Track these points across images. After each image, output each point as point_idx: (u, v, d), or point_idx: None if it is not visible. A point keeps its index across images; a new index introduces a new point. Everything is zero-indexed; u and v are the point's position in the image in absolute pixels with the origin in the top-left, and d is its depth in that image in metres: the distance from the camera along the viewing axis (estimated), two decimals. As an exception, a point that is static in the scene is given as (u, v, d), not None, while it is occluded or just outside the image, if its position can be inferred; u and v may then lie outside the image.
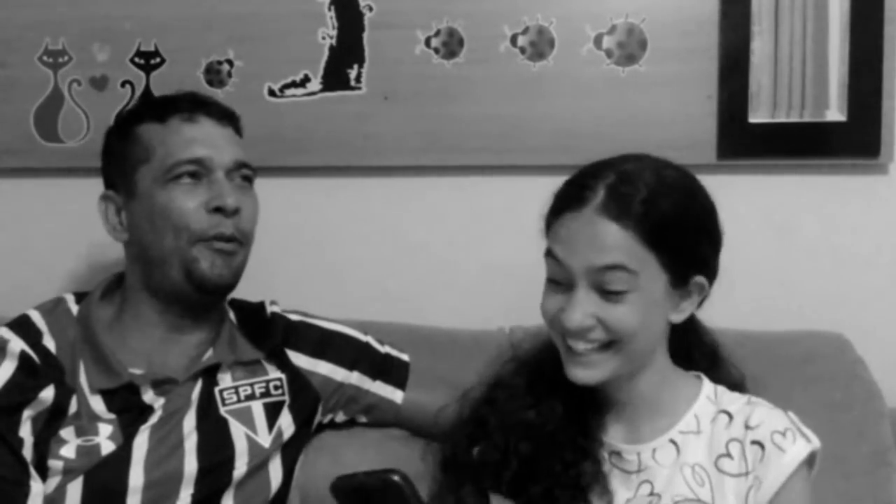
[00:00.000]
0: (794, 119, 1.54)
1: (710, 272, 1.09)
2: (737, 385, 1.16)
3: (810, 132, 1.55)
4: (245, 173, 1.25)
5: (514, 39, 1.57)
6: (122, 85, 1.64)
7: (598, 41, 1.56)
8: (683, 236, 1.05)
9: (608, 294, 1.02)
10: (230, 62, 1.62)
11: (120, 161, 1.23)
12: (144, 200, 1.20)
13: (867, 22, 1.51)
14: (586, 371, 1.05)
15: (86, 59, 1.64)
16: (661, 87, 1.55)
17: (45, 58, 1.65)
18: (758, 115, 1.54)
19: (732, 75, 1.54)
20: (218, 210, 1.18)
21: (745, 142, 1.55)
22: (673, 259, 1.04)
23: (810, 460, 1.07)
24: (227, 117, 1.26)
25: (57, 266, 1.69)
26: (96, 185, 1.67)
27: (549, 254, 1.06)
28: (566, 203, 1.06)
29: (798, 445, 1.05)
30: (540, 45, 1.57)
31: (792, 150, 1.56)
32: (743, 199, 1.59)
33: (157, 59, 1.63)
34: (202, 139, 1.21)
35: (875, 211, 1.58)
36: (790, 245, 1.59)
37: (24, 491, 1.07)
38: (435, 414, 1.26)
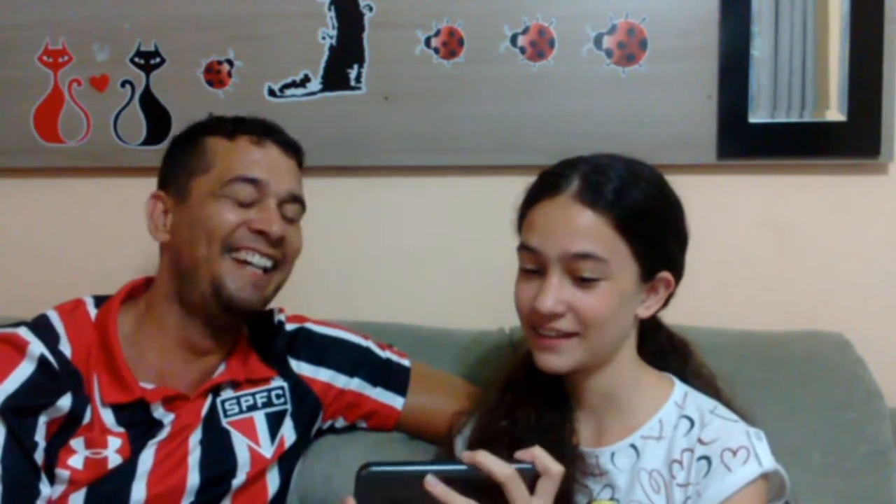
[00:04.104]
0: (794, 119, 1.54)
1: (676, 269, 1.09)
2: (707, 383, 1.14)
3: (810, 132, 1.55)
4: (295, 209, 1.23)
5: (514, 39, 1.57)
6: (122, 85, 1.64)
7: (598, 41, 1.56)
8: (653, 227, 1.06)
9: (580, 281, 1.03)
10: (230, 62, 1.62)
11: (180, 166, 1.22)
12: (193, 208, 1.18)
13: (867, 22, 1.51)
14: (555, 358, 1.06)
15: (86, 59, 1.64)
16: (661, 87, 1.55)
17: (45, 58, 1.65)
18: (758, 115, 1.54)
19: (732, 75, 1.54)
20: (261, 233, 1.17)
21: (745, 142, 1.55)
22: (643, 250, 1.05)
23: (781, 485, 1.05)
24: (292, 149, 1.25)
25: (57, 266, 1.69)
26: (97, 186, 1.68)
27: (523, 247, 1.07)
28: (542, 192, 1.08)
29: (747, 467, 1.00)
30: (540, 45, 1.57)
31: (792, 150, 1.56)
32: (743, 199, 1.59)
33: (157, 59, 1.63)
34: (265, 163, 1.20)
35: (875, 211, 1.57)
36: (790, 245, 1.59)
37: (35, 493, 1.07)
38: (435, 420, 1.27)
